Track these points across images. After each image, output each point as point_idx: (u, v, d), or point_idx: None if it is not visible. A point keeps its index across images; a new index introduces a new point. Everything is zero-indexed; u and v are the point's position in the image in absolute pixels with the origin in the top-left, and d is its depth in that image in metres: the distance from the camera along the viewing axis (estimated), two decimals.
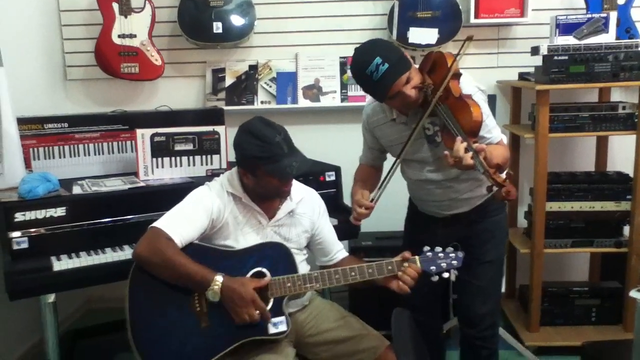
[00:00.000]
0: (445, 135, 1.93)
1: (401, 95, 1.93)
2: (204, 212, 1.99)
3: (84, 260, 2.25)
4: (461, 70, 2.00)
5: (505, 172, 1.81)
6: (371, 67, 1.87)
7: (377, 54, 1.88)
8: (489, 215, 2.20)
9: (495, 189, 1.80)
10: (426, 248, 1.99)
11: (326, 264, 2.20)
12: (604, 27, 2.94)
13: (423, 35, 3.25)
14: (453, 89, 1.93)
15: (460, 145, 1.79)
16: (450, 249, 1.99)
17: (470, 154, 1.78)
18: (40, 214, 2.26)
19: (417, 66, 2.03)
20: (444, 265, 1.97)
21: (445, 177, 2.10)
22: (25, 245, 2.22)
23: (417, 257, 1.97)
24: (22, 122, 2.66)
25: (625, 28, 3.17)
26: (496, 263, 2.26)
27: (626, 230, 3.00)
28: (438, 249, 1.98)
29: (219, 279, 1.86)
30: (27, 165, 2.65)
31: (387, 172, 2.09)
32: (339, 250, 2.23)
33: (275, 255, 2.01)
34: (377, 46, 1.96)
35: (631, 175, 2.96)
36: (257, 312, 1.88)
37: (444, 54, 1.98)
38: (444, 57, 1.96)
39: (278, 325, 1.94)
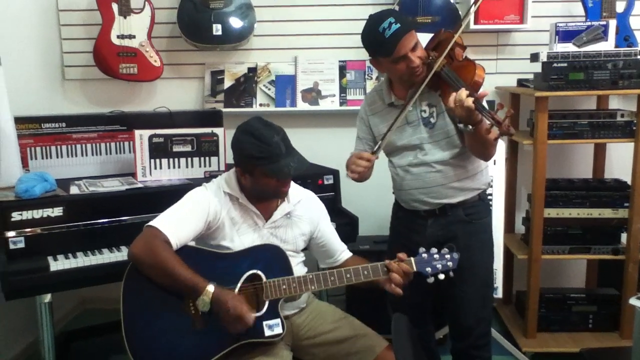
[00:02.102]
0: (447, 94, 1.98)
1: (407, 60, 2.00)
2: (201, 213, 1.99)
3: (81, 260, 2.24)
4: None
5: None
6: (384, 24, 1.97)
7: (390, 15, 2.00)
8: (476, 216, 2.21)
9: (495, 128, 1.87)
10: (422, 249, 1.99)
11: (331, 266, 2.18)
12: (603, 35, 2.95)
13: (422, 40, 3.24)
14: (457, 54, 2.04)
15: (463, 92, 1.88)
16: (445, 250, 1.98)
17: (471, 98, 1.86)
18: (37, 213, 2.25)
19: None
20: (439, 266, 1.96)
21: (437, 159, 2.12)
22: (21, 245, 2.22)
23: (412, 259, 1.97)
24: (19, 121, 2.65)
25: (623, 36, 3.18)
26: (485, 267, 2.27)
27: (623, 237, 3.00)
28: (433, 250, 1.98)
29: (210, 289, 1.84)
30: (24, 164, 2.64)
31: (395, 118, 2.11)
32: (342, 251, 2.23)
33: (270, 257, 2.00)
34: (390, 11, 2.11)
35: (629, 182, 2.96)
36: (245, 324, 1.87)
37: (452, 32, 2.06)
38: (451, 35, 2.05)
39: (273, 328, 1.93)
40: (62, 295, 2.41)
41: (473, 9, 2.08)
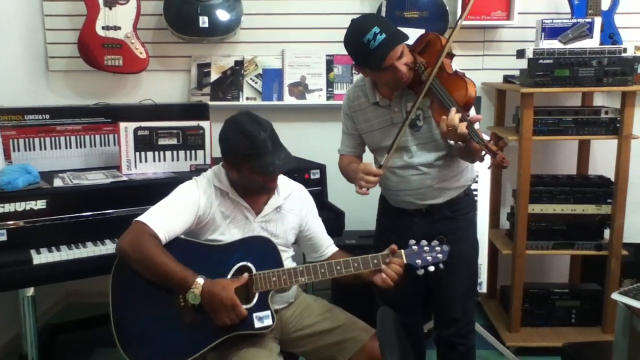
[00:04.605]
0: (437, 110, 1.94)
1: (393, 69, 1.94)
2: (190, 208, 1.97)
3: (65, 254, 2.22)
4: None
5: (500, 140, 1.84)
6: (369, 35, 1.88)
7: (375, 24, 1.90)
8: (462, 212, 2.22)
9: (486, 157, 1.82)
10: (412, 242, 1.99)
11: (317, 260, 2.17)
12: (588, 32, 2.97)
13: (409, 35, 3.25)
14: (446, 66, 1.97)
15: (455, 115, 1.83)
16: (435, 242, 1.98)
17: (464, 123, 1.81)
18: (19, 206, 2.22)
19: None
20: (429, 259, 1.96)
21: (423, 162, 2.11)
22: (3, 238, 2.19)
23: (402, 251, 1.97)
24: (2, 112, 2.62)
25: (608, 34, 3.21)
26: (472, 259, 2.29)
27: (606, 233, 3.04)
28: (424, 242, 1.98)
29: (199, 281, 1.84)
30: (7, 156, 2.61)
31: (395, 137, 2.06)
32: (329, 245, 2.22)
33: (260, 250, 1.99)
34: (374, 18, 2.03)
35: (612, 179, 2.99)
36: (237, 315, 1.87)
37: (440, 36, 2.01)
38: (439, 39, 2.00)
39: (263, 320, 1.93)
40: (46, 288, 2.39)
41: (462, 19, 1.99)
